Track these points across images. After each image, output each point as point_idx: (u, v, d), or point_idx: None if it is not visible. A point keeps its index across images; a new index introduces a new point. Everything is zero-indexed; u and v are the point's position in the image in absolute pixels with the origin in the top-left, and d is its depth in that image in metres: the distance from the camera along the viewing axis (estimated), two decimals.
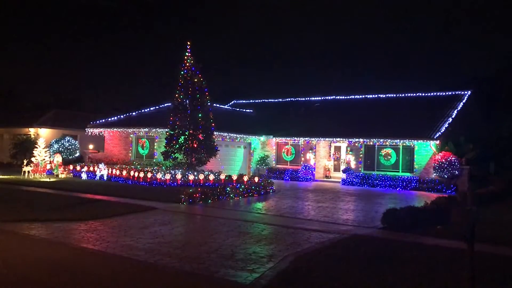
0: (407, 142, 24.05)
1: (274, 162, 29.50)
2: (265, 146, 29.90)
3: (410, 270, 7.09)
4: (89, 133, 28.21)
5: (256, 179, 19.72)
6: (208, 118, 21.78)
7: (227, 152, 27.14)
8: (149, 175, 20.07)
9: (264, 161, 29.02)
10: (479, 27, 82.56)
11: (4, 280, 6.30)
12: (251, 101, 38.06)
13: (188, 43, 21.97)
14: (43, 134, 31.47)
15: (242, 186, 17.32)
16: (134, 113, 28.56)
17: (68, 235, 9.36)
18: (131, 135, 26.88)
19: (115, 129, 27.13)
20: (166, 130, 22.01)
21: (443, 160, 22.03)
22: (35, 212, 11.63)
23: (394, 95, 30.27)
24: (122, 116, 28.55)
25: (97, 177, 22.11)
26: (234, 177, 20.00)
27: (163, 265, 7.23)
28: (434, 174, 22.63)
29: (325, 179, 27.37)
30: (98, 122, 28.47)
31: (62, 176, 23.10)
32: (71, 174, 24.05)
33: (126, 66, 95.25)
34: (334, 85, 73.09)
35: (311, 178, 26.66)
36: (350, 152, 26.10)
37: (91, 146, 30.90)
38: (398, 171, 24.36)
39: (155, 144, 25.59)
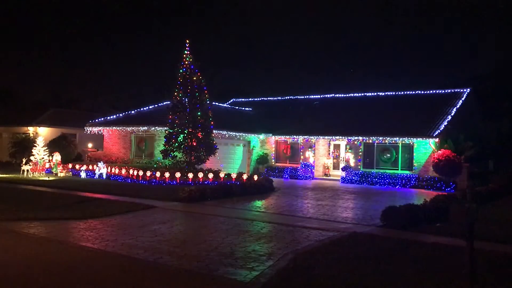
0: (406, 140, 24.04)
1: (273, 161, 29.49)
2: (264, 144, 29.89)
3: (409, 268, 7.09)
4: (88, 132, 28.14)
5: (255, 177, 19.71)
6: (207, 117, 21.77)
7: (226, 150, 27.11)
8: (148, 173, 20.05)
9: (263, 160, 29.00)
10: (479, 25, 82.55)
11: (3, 279, 6.29)
12: (250, 99, 38.03)
13: (187, 41, 21.96)
14: (42, 133, 31.42)
15: (241, 184, 17.29)
16: (133, 112, 28.49)
17: (67, 234, 9.35)
18: (130, 134, 26.85)
19: (114, 127, 27.08)
20: (165, 128, 21.98)
21: (442, 158, 22.02)
22: (34, 211, 11.62)
23: (393, 93, 30.26)
24: (121, 115, 28.50)
25: (96, 176, 22.09)
26: (234, 176, 19.98)
27: (162, 263, 7.23)
28: (434, 172, 22.62)
29: (324, 177, 27.37)
30: (97, 120, 28.42)
31: (61, 174, 23.09)
32: (70, 172, 24.03)
33: (125, 64, 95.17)
34: (333, 83, 73.11)
35: (310, 176, 26.65)
36: (349, 150, 26.09)
37: (90, 145, 30.88)
38: (397, 169, 24.36)
39: (154, 142, 25.54)
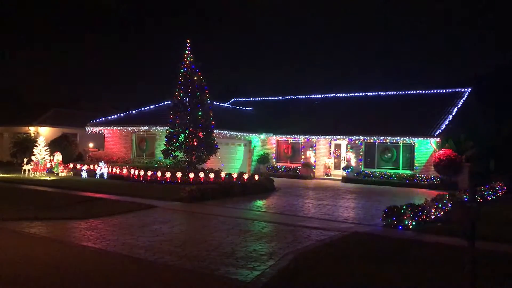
0: (407, 140, 24.03)
1: (274, 160, 29.48)
2: (265, 144, 29.89)
3: (410, 268, 7.08)
4: (89, 132, 28.17)
5: (256, 177, 19.70)
6: (208, 116, 21.77)
7: (227, 150, 27.12)
8: (149, 173, 20.06)
9: (264, 159, 29.00)
10: (480, 24, 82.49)
11: (4, 279, 6.29)
12: (251, 99, 38.03)
13: (188, 41, 21.96)
14: (43, 133, 31.43)
15: (242, 184, 17.29)
16: (134, 112, 28.51)
17: (68, 234, 9.36)
18: (131, 134, 26.87)
19: (115, 127, 27.11)
20: (166, 128, 21.98)
21: (443, 157, 22.00)
22: (35, 211, 11.62)
23: (394, 92, 30.24)
24: (122, 115, 28.53)
25: (97, 176, 22.09)
26: (235, 175, 19.97)
27: (163, 263, 7.23)
28: (435, 171, 22.60)
29: (325, 177, 27.37)
30: (98, 120, 28.45)
31: (62, 174, 23.10)
32: (71, 172, 24.04)
33: (125, 64, 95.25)
34: (334, 83, 73.03)
35: (311, 176, 26.63)
36: (350, 150, 26.08)
37: (91, 145, 30.89)
38: (399, 169, 24.35)
39: (155, 142, 25.56)
